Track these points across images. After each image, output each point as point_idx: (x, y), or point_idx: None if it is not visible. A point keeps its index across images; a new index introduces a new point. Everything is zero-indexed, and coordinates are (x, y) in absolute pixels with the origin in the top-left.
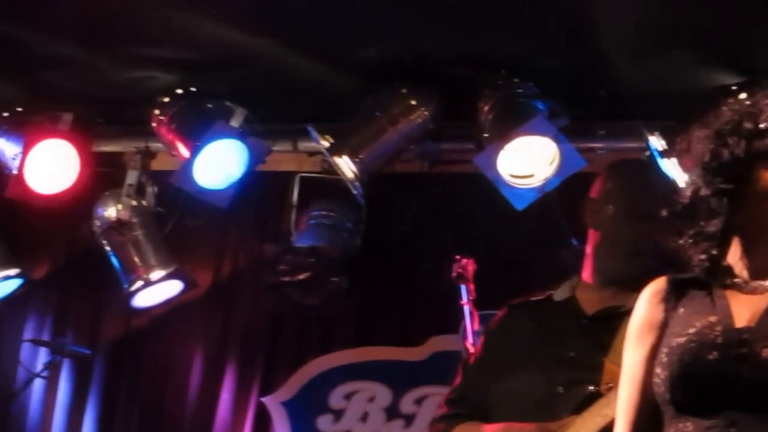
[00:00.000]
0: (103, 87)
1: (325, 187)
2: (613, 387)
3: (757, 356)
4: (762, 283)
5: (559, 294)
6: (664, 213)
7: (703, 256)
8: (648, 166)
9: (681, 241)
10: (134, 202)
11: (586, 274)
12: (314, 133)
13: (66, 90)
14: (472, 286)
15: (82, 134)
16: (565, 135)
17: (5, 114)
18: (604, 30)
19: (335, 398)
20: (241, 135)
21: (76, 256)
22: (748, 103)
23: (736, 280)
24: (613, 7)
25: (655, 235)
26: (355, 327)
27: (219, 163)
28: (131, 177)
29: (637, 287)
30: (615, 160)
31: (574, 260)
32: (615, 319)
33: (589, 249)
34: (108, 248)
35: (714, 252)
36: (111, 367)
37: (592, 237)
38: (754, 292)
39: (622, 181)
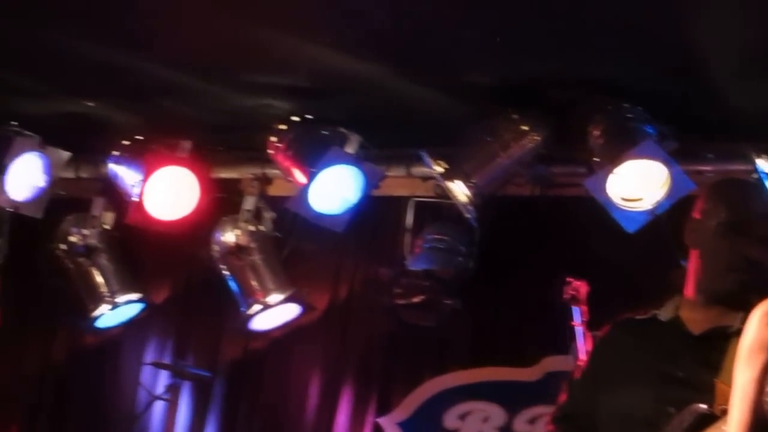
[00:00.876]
0: (220, 115)
1: (438, 211)
2: (726, 409)
3: None
4: None
5: (664, 314)
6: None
7: None
8: (748, 185)
9: None
10: (252, 228)
11: (689, 292)
12: (427, 159)
13: (184, 118)
14: (584, 308)
15: (200, 161)
16: (674, 158)
17: (126, 142)
18: (712, 53)
19: (450, 418)
20: (355, 161)
21: (196, 280)
22: None
23: None
24: (721, 30)
25: (750, 252)
26: (469, 348)
27: (334, 189)
28: (249, 203)
29: (740, 305)
30: (716, 180)
31: (683, 281)
32: (723, 339)
33: (690, 268)
34: (227, 273)
35: None
36: (230, 388)
37: (693, 256)
38: None
39: (721, 199)
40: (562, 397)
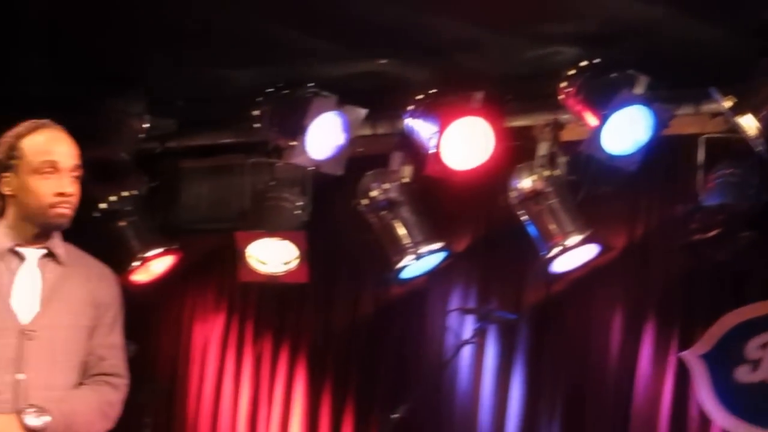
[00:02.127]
0: (510, 65)
1: (728, 146)
2: None
3: None
4: None
5: None
6: None
7: None
8: None
9: None
10: (547, 173)
11: None
12: (716, 95)
13: (476, 70)
14: None
15: (493, 111)
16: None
17: (420, 97)
18: None
19: (751, 349)
20: (645, 101)
21: (495, 227)
22: None
23: None
24: None
25: None
26: None
27: (625, 130)
28: (543, 149)
29: None
30: None
31: None
32: None
33: None
34: (525, 218)
35: None
36: (534, 331)
37: None
38: None
39: None
40: None
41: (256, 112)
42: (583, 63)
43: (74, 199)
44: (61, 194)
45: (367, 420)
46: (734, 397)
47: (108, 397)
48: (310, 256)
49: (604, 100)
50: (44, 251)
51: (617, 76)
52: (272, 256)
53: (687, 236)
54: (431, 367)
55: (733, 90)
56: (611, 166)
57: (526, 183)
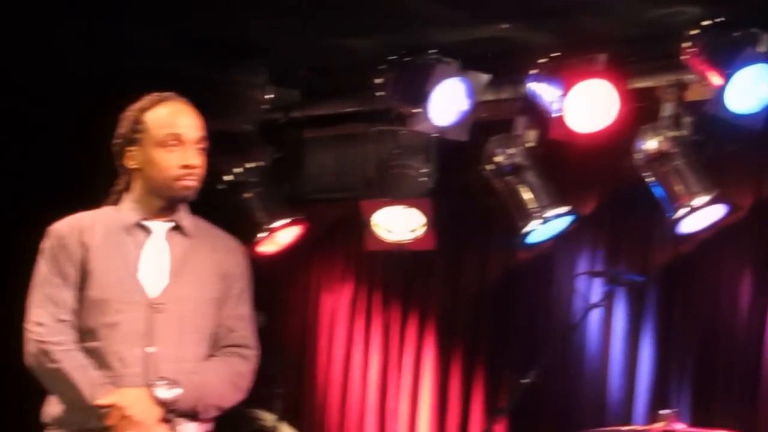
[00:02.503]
0: (633, 26)
1: None
2: None
3: None
4: None
5: None
6: None
7: None
8: None
9: None
10: (672, 133)
11: None
12: None
13: (598, 32)
14: None
15: (617, 73)
16: None
17: (543, 60)
18: None
19: None
20: None
21: (621, 189)
22: None
23: None
24: None
25: None
26: None
27: (750, 88)
28: (667, 109)
29: None
30: None
31: None
32: None
33: None
34: (651, 179)
35: None
36: (662, 292)
37: None
38: None
39: None
40: None
41: (378, 80)
42: (706, 22)
43: (200, 171)
44: (186, 167)
45: (497, 385)
46: None
47: (238, 369)
48: (436, 222)
49: (727, 59)
50: (171, 224)
51: (740, 35)
52: (398, 224)
53: None
54: (560, 332)
55: None
56: (736, 125)
57: (651, 144)
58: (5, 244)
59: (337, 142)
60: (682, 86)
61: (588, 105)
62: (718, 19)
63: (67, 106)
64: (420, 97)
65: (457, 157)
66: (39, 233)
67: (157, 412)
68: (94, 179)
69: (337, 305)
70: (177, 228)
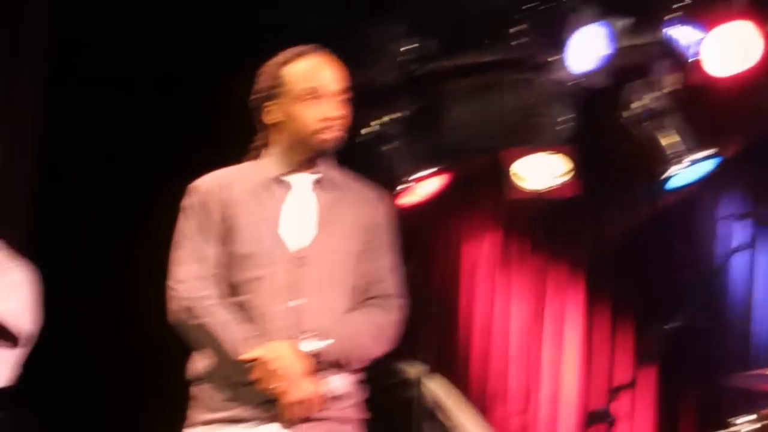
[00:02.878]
0: None
1: None
2: None
3: None
4: None
5: None
6: None
7: None
8: None
9: None
10: None
11: None
12: None
13: None
14: None
15: (759, 14)
16: None
17: (682, 3)
18: None
19: None
20: None
21: (762, 131)
22: None
23: None
24: None
25: None
26: None
27: None
28: None
29: None
30: None
31: None
32: None
33: None
34: None
35: None
36: None
37: None
38: None
39: None
40: None
41: (516, 29)
42: None
43: (343, 122)
44: (326, 119)
45: (642, 331)
46: None
47: (384, 319)
48: (577, 170)
49: None
50: (316, 176)
51: None
52: (539, 172)
53: None
54: (705, 275)
55: None
56: None
57: None
58: (150, 206)
59: (477, 92)
60: None
61: (729, 48)
62: None
63: (210, 63)
64: (558, 44)
65: (597, 104)
66: (180, 192)
67: (303, 365)
68: (234, 137)
69: (480, 255)
70: (321, 180)
